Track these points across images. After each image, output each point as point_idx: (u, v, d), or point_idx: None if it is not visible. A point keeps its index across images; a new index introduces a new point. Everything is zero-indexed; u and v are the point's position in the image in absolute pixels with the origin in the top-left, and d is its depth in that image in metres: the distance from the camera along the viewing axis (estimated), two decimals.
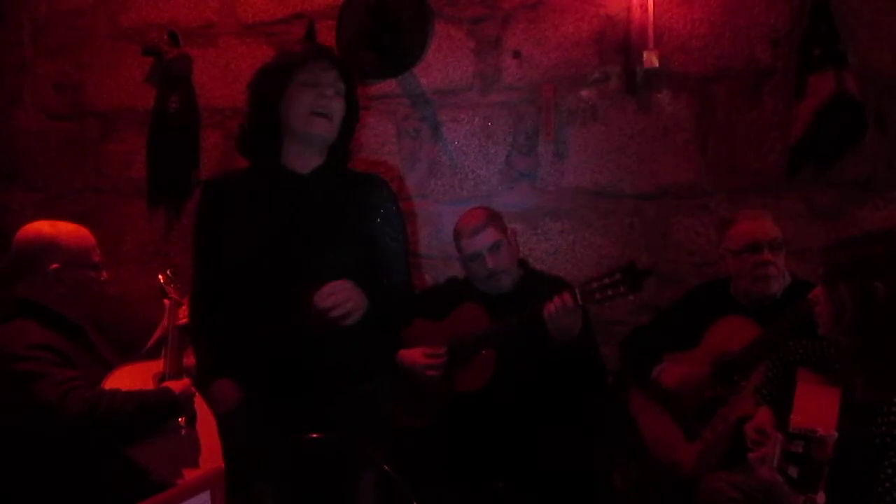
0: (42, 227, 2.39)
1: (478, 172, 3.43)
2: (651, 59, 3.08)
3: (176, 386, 2.32)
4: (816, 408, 1.79)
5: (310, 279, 2.05)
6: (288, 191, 2.12)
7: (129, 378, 2.31)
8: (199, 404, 2.40)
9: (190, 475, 2.19)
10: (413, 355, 2.74)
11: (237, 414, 2.14)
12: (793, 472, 1.56)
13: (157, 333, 2.78)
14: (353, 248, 2.14)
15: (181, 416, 2.31)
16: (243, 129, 2.18)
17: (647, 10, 3.08)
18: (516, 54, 3.33)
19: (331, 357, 2.11)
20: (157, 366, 2.44)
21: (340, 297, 2.03)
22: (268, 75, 2.12)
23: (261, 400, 2.14)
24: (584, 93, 3.27)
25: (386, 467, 2.04)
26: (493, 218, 2.87)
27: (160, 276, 2.67)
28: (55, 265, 2.33)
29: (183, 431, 2.32)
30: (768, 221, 2.71)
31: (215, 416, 2.24)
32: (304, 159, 2.14)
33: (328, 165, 2.17)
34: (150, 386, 2.35)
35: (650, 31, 3.08)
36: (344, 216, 2.15)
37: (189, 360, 2.61)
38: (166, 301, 2.58)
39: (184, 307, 2.57)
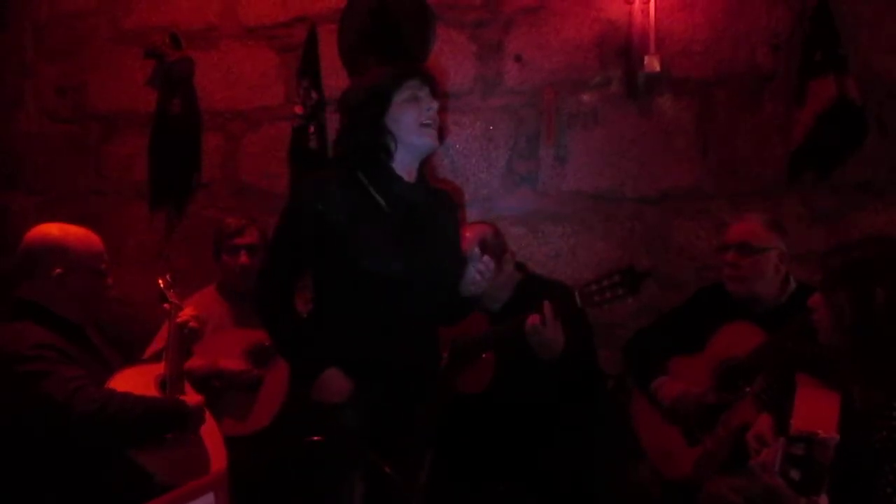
0: (50, 230, 2.38)
1: (479, 176, 3.43)
2: (652, 63, 3.10)
3: (191, 400, 2.32)
4: (817, 412, 1.80)
5: (417, 279, 2.20)
6: (401, 195, 2.24)
7: (131, 381, 2.31)
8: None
9: (193, 478, 2.18)
10: None
11: (347, 404, 2.19)
12: (795, 474, 1.57)
13: (162, 337, 2.75)
14: (447, 253, 2.29)
15: (190, 431, 2.31)
16: (348, 142, 2.27)
17: (648, 14, 3.09)
18: (518, 58, 3.34)
19: (416, 350, 2.25)
20: (159, 368, 2.43)
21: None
22: (371, 94, 2.23)
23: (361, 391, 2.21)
24: (585, 97, 3.28)
25: (386, 469, 2.05)
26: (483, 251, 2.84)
27: (160, 281, 2.66)
28: (59, 269, 2.32)
29: (186, 437, 2.31)
30: (752, 224, 2.71)
31: (321, 405, 2.21)
32: (407, 169, 2.26)
33: (423, 177, 2.32)
34: (153, 388, 2.35)
35: (651, 36, 3.09)
36: (440, 224, 2.31)
37: (193, 363, 2.61)
38: (166, 306, 2.57)
39: (186, 309, 2.56)
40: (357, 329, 2.20)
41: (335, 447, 2.17)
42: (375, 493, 2.16)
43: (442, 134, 2.32)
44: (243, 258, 3.03)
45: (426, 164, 2.33)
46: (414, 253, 2.20)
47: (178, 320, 2.48)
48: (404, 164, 2.24)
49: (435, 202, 2.33)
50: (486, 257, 2.17)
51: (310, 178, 2.32)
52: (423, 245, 2.22)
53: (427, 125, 2.21)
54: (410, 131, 2.20)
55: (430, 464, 2.38)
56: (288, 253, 2.26)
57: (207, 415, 2.42)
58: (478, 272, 2.15)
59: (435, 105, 2.23)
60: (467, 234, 2.83)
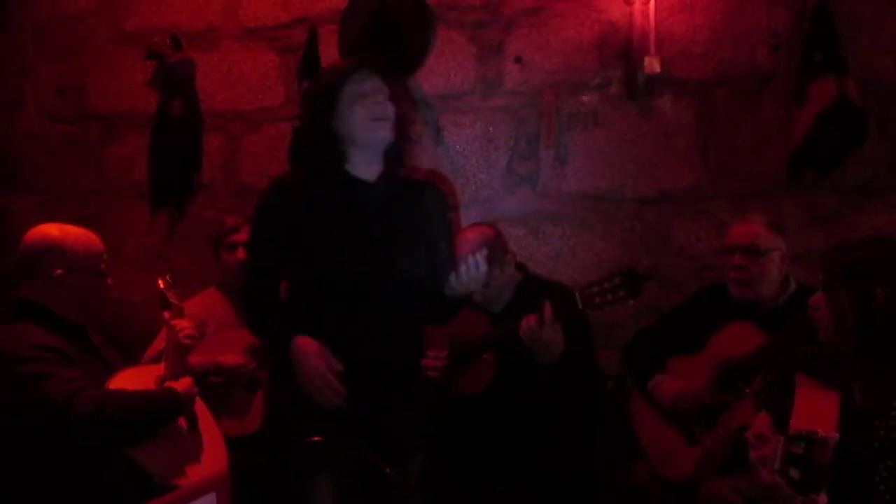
0: (50, 231, 2.38)
1: (479, 177, 3.43)
2: (652, 64, 3.10)
3: (179, 385, 2.32)
4: (816, 412, 1.79)
5: (385, 282, 2.15)
6: (359, 198, 2.19)
7: (131, 381, 2.31)
8: (200, 408, 2.41)
9: (193, 478, 2.19)
10: None
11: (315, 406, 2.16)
12: (794, 474, 1.56)
13: (159, 345, 2.75)
14: (419, 250, 2.23)
15: (183, 416, 2.31)
16: (302, 145, 2.30)
17: (648, 15, 3.10)
18: (518, 59, 3.34)
19: (394, 355, 2.20)
20: (159, 369, 2.44)
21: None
22: (318, 94, 2.21)
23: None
24: (585, 97, 3.28)
25: (387, 470, 2.05)
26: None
27: (160, 282, 2.66)
28: (59, 270, 2.32)
29: (185, 435, 2.32)
30: (756, 226, 2.71)
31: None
32: (368, 167, 2.21)
33: (390, 171, 2.25)
34: (153, 388, 2.35)
35: (651, 37, 3.10)
36: (410, 220, 2.24)
37: (194, 358, 2.61)
38: (166, 314, 2.56)
39: (185, 321, 2.55)
40: (329, 333, 2.16)
41: (304, 449, 2.13)
42: (375, 493, 2.15)
43: (402, 126, 2.27)
44: (241, 254, 3.04)
45: (400, 159, 2.28)
46: (380, 255, 2.15)
47: (177, 334, 2.47)
48: (363, 163, 2.19)
49: (410, 196, 2.27)
50: (471, 258, 2.11)
51: (275, 184, 2.27)
52: (390, 246, 2.18)
53: (378, 119, 2.15)
54: (361, 128, 2.14)
55: (420, 465, 2.36)
56: (263, 251, 2.24)
57: (208, 415, 2.42)
58: (465, 268, 2.09)
59: (382, 97, 2.16)
60: (469, 236, 2.83)
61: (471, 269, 2.12)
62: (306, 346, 2.14)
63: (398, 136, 2.25)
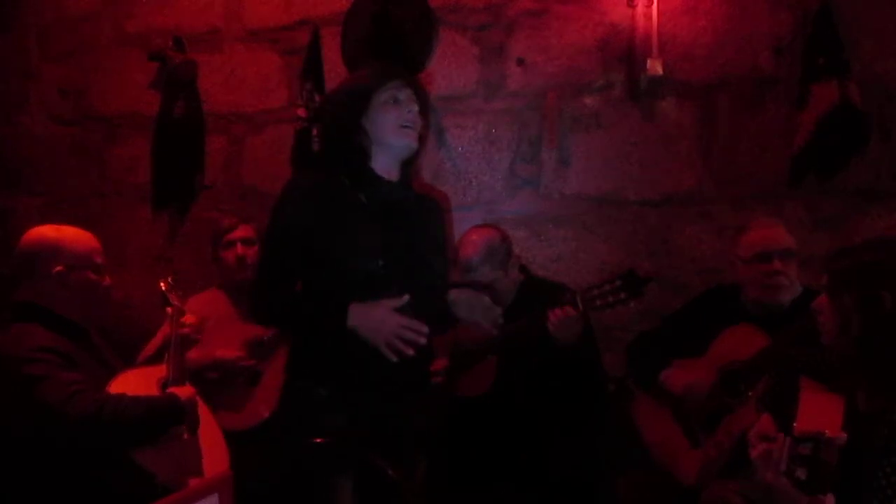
0: (46, 231, 2.41)
1: (481, 179, 3.43)
2: (655, 66, 3.10)
3: (182, 392, 2.32)
4: (820, 415, 1.79)
5: (409, 279, 2.16)
6: (384, 194, 2.23)
7: (133, 382, 2.31)
8: (201, 407, 2.41)
9: (195, 480, 2.19)
10: None
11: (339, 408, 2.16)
12: (801, 474, 1.56)
13: (158, 341, 2.76)
14: (436, 256, 2.29)
15: (185, 423, 2.31)
16: (327, 143, 2.32)
17: (651, 18, 3.10)
18: (520, 61, 3.35)
19: (412, 357, 2.17)
20: (161, 371, 2.44)
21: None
22: (352, 93, 2.25)
23: (345, 399, 2.17)
24: (587, 100, 3.29)
25: (390, 471, 2.05)
26: (489, 256, 2.80)
27: (161, 283, 2.66)
28: (59, 268, 2.33)
29: (186, 437, 2.32)
30: (780, 230, 2.68)
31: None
32: (388, 172, 2.25)
33: (406, 179, 2.30)
34: (155, 390, 2.36)
35: (654, 39, 3.10)
36: (426, 229, 2.31)
37: (189, 355, 2.61)
38: (168, 309, 2.57)
39: (187, 316, 2.56)
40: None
41: (323, 450, 2.13)
42: (376, 495, 2.14)
43: (422, 139, 2.31)
44: (239, 249, 3.09)
45: (411, 168, 2.31)
46: (397, 250, 2.18)
47: (181, 331, 2.48)
48: (384, 166, 2.23)
49: (420, 204, 2.33)
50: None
51: (296, 179, 2.30)
52: (406, 243, 2.21)
53: (407, 126, 2.20)
54: (389, 132, 2.19)
55: (424, 466, 2.37)
56: (280, 249, 2.24)
57: (208, 413, 2.43)
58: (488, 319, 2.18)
59: (415, 108, 2.22)
60: (474, 237, 2.83)
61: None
62: (369, 306, 2.12)
63: (418, 149, 2.30)
